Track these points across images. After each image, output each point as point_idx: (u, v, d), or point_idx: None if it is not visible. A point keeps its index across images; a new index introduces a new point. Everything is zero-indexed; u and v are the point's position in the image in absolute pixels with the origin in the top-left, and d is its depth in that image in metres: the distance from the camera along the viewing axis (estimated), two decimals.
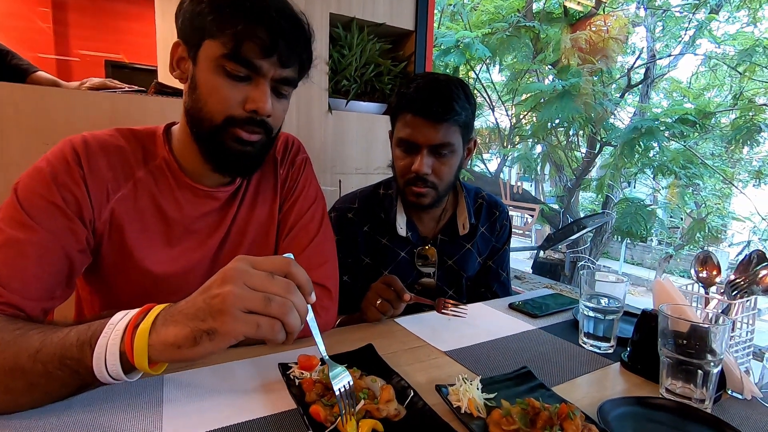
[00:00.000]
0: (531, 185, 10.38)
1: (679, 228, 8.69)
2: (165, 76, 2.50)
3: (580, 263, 6.56)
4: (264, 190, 0.82)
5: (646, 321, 0.72)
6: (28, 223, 0.59)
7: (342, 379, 0.54)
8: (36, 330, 0.51)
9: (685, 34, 7.26)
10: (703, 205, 7.54)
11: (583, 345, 0.81)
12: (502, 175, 9.22)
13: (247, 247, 0.79)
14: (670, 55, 7.44)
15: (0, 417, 0.50)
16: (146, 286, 0.71)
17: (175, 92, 1.38)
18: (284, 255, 0.52)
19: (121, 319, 0.49)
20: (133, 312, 0.50)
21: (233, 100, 0.65)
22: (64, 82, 1.61)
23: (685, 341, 0.61)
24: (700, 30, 6.79)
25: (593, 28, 6.58)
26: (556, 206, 8.08)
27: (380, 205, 1.10)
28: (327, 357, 0.57)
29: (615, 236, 7.07)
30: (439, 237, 1.11)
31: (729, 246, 9.17)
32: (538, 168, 8.44)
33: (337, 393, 0.52)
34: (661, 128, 5.96)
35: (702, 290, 0.81)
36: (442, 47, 6.33)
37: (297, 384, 0.59)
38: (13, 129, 1.14)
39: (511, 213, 1.31)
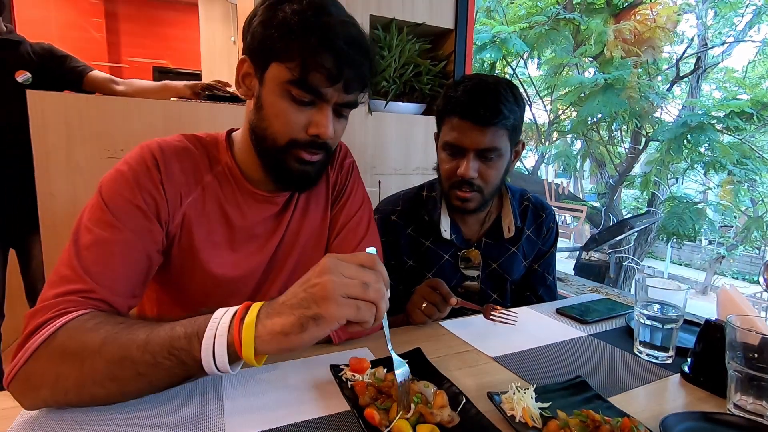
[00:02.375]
0: (569, 182, 10.06)
1: (732, 227, 8.18)
2: (209, 81, 2.58)
3: (625, 264, 6.29)
4: (316, 194, 0.83)
5: (710, 332, 0.69)
6: (115, 224, 0.62)
7: (404, 373, 0.56)
8: (139, 324, 0.55)
9: (741, 21, 6.80)
10: (761, 202, 7.05)
11: (639, 354, 0.78)
12: (539, 173, 8.98)
13: (299, 251, 0.81)
14: (723, 43, 6.99)
15: (67, 411, 0.53)
16: (208, 287, 0.74)
17: (225, 97, 1.43)
18: (368, 250, 0.56)
19: (224, 314, 0.53)
20: (234, 308, 0.53)
21: (297, 125, 0.67)
22: (133, 80, 1.67)
23: (756, 354, 0.57)
24: (758, 15, 6.33)
25: (638, 18, 6.27)
26: (597, 204, 7.79)
27: (424, 207, 1.10)
28: (394, 352, 0.58)
29: (660, 236, 6.72)
30: (484, 240, 1.09)
31: None
32: (578, 164, 8.16)
33: (399, 382, 0.55)
34: (713, 122, 5.61)
35: None
36: (478, 43, 6.23)
37: (350, 386, 0.60)
38: (78, 136, 1.22)
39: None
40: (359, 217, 0.85)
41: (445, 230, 1.06)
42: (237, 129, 0.79)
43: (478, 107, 0.91)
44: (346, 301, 0.49)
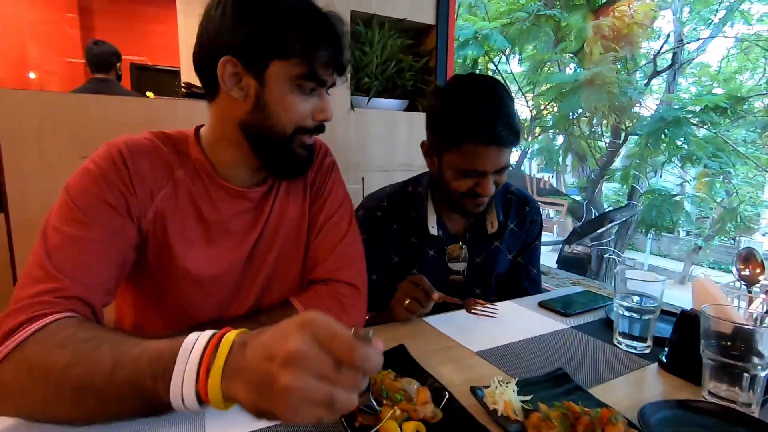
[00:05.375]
0: (552, 176, 10.21)
1: (708, 218, 8.41)
2: (188, 77, 2.53)
3: (606, 256, 6.41)
4: (294, 190, 0.83)
5: (686, 321, 0.70)
6: (84, 221, 0.61)
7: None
8: (107, 343, 0.49)
9: (715, 17, 6.97)
10: (735, 194, 7.26)
11: (618, 345, 0.80)
12: (522, 167, 9.08)
13: (279, 246, 0.80)
14: (698, 39, 7.16)
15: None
16: (185, 286, 0.72)
17: (203, 95, 1.40)
18: (363, 333, 0.42)
19: (191, 350, 0.44)
20: (202, 344, 0.44)
21: (305, 113, 0.71)
22: None
23: (729, 343, 0.59)
24: (731, 12, 6.50)
25: (617, 14, 6.38)
26: (578, 198, 7.92)
27: (409, 203, 1.10)
28: None
29: (640, 229, 6.88)
30: (468, 235, 1.10)
31: (763, 236, 8.84)
32: (560, 159, 8.28)
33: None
34: (689, 116, 5.75)
35: (745, 288, 0.78)
36: (460, 40, 6.25)
37: None
38: (54, 136, 1.18)
39: None
40: (340, 215, 0.84)
41: (432, 226, 1.06)
42: (203, 125, 0.77)
43: (500, 131, 0.88)
44: (306, 410, 0.39)
